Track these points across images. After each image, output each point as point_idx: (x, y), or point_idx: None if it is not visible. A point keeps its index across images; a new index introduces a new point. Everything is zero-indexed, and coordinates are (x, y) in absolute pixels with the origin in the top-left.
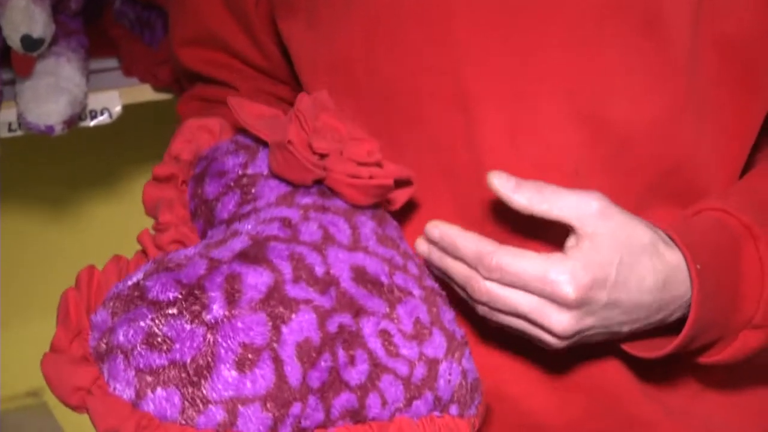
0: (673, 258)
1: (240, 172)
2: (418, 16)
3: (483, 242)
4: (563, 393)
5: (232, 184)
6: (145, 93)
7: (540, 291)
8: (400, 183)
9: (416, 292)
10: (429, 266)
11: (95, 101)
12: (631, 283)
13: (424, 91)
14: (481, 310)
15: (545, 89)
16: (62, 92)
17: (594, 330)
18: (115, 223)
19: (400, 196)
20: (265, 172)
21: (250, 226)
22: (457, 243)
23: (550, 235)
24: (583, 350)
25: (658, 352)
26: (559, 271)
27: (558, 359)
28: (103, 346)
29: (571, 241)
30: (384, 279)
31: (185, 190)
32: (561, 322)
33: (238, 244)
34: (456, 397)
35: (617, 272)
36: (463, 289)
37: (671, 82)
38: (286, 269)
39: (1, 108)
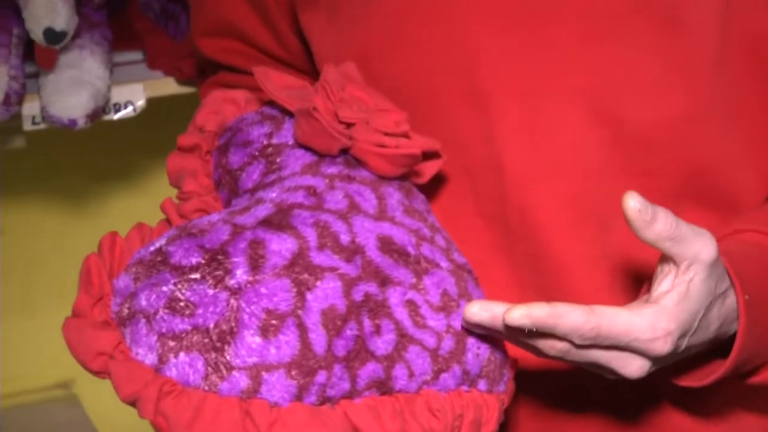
0: (731, 301)
1: (265, 142)
2: (434, 12)
3: (576, 314)
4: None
5: (256, 153)
6: (169, 86)
7: (631, 347)
8: (429, 156)
9: (444, 264)
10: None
11: (119, 94)
12: (702, 330)
13: (440, 89)
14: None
15: (561, 87)
16: (85, 85)
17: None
18: (137, 216)
19: (428, 169)
20: (291, 141)
21: (274, 194)
22: (557, 323)
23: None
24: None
25: (704, 380)
26: (655, 330)
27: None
28: (126, 310)
29: (666, 283)
30: (411, 249)
31: (209, 161)
32: (640, 368)
33: (262, 211)
34: (485, 372)
35: (698, 323)
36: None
37: (695, 82)
38: (311, 236)
39: (25, 101)
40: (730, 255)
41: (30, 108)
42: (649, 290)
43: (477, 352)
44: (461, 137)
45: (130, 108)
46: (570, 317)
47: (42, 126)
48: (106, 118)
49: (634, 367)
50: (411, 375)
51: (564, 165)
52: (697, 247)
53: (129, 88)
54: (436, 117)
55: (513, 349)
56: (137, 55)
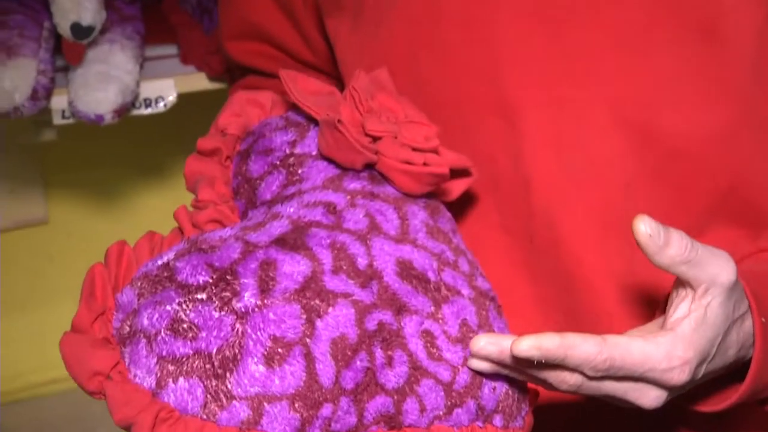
0: (749, 324)
1: (288, 151)
2: (459, 18)
3: (588, 344)
4: None
5: (278, 163)
6: (200, 82)
7: (646, 378)
8: (458, 173)
9: (465, 291)
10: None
11: (150, 89)
12: (720, 355)
13: (465, 97)
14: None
15: (591, 96)
16: (112, 80)
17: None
18: (165, 212)
19: (457, 187)
20: (314, 152)
21: (292, 210)
22: (567, 354)
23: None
24: None
25: (719, 405)
26: (672, 359)
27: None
28: (127, 328)
29: (683, 308)
30: (431, 275)
31: (229, 166)
32: (657, 398)
33: (277, 228)
34: (501, 407)
35: (716, 349)
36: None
37: (730, 96)
38: (326, 258)
39: (55, 95)
40: (748, 276)
41: (59, 102)
42: (663, 313)
43: (494, 386)
44: (486, 148)
45: (161, 103)
46: (582, 348)
47: (71, 120)
48: (137, 113)
49: (650, 397)
50: (422, 410)
51: (592, 178)
52: (714, 270)
53: (160, 83)
54: (462, 127)
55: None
56: (169, 50)
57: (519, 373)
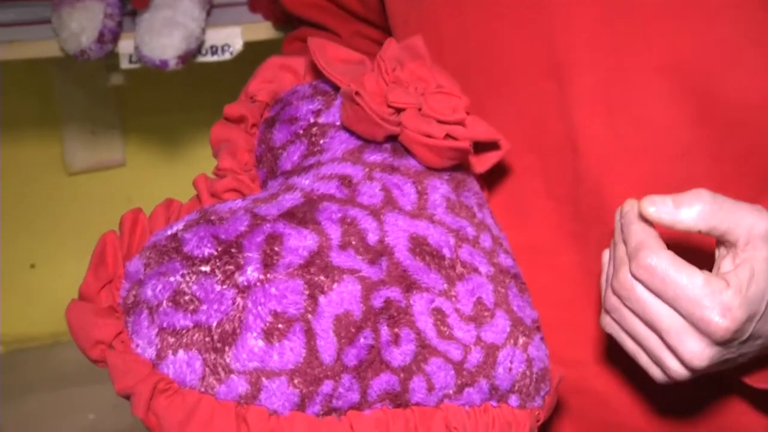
0: None
1: (312, 120)
2: None
3: (649, 236)
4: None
5: (300, 132)
6: (266, 30)
7: (689, 313)
8: (490, 145)
9: (483, 269)
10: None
11: (216, 37)
12: None
13: (515, 57)
14: (608, 321)
15: (646, 61)
16: (177, 27)
17: (723, 364)
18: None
19: (486, 160)
20: (338, 122)
21: (306, 182)
22: (631, 225)
23: None
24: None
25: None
26: (718, 300)
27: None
28: (132, 298)
29: (726, 263)
30: (446, 252)
31: (255, 134)
32: (698, 353)
33: (288, 201)
34: (517, 387)
35: (766, 306)
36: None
37: None
38: (335, 233)
39: (122, 39)
40: None
41: (127, 46)
42: None
43: (509, 366)
44: (535, 111)
45: (227, 51)
46: (643, 230)
47: (138, 65)
48: (202, 59)
49: (691, 346)
50: (430, 388)
51: (644, 145)
52: (749, 221)
53: (227, 30)
54: (507, 85)
55: (558, 364)
56: None
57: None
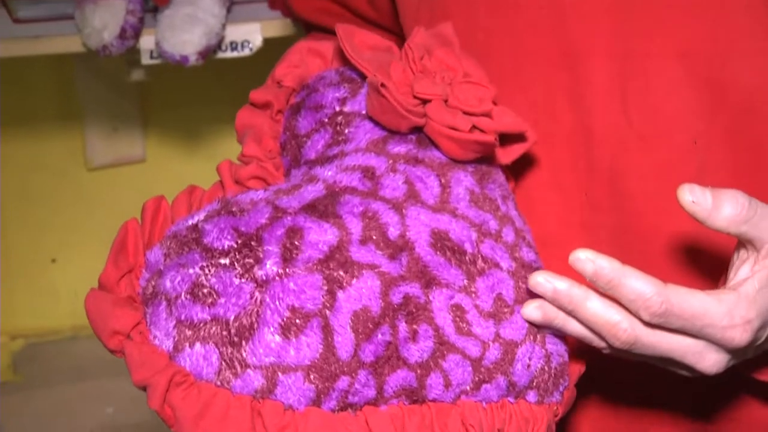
0: None
1: (337, 108)
2: None
3: (648, 279)
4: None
5: (326, 120)
6: (286, 27)
7: (705, 335)
8: (516, 136)
9: (505, 264)
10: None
11: (236, 33)
12: None
13: (526, 48)
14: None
15: (660, 48)
16: (198, 23)
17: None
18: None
19: (512, 152)
20: (364, 111)
21: (329, 173)
22: (622, 282)
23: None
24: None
25: None
26: (733, 317)
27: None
28: (151, 288)
29: (744, 269)
30: (468, 247)
31: (280, 120)
32: (717, 363)
33: (311, 193)
34: (536, 383)
35: None
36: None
37: None
38: (355, 228)
39: (144, 35)
40: None
41: (148, 42)
42: (725, 282)
43: (528, 362)
44: (545, 103)
45: (246, 47)
46: (638, 281)
47: (159, 60)
48: (222, 55)
49: (710, 361)
50: (447, 385)
51: (658, 133)
52: None
53: (247, 27)
54: (520, 81)
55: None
56: None
57: (567, 326)
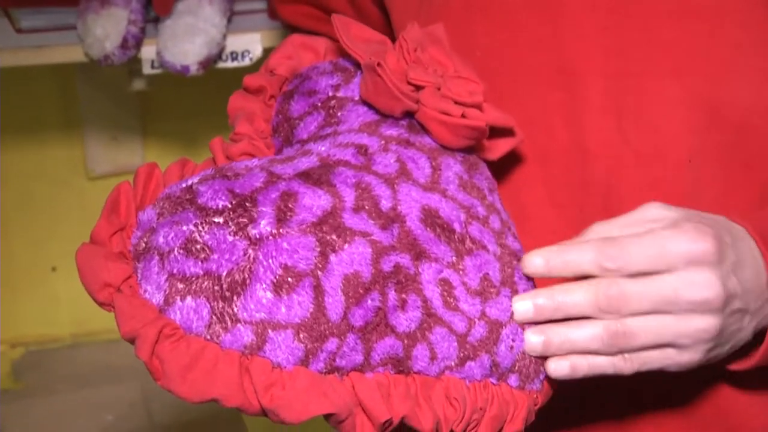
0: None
1: (330, 94)
2: None
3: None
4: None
5: (319, 104)
6: (285, 37)
7: (676, 265)
8: (503, 132)
9: (491, 247)
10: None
11: (237, 43)
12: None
13: (522, 65)
14: (618, 363)
15: (655, 67)
16: (199, 33)
17: (731, 326)
18: None
19: (500, 146)
20: (357, 97)
21: (323, 148)
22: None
23: None
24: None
25: (746, 363)
26: (697, 229)
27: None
28: (143, 245)
29: None
30: (457, 226)
31: (272, 105)
32: (707, 325)
33: (305, 163)
34: (518, 366)
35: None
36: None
37: None
38: (349, 196)
39: (145, 45)
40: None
41: (149, 52)
42: None
43: (511, 344)
44: (541, 118)
45: (246, 57)
46: (580, 245)
47: (160, 70)
48: (222, 65)
49: (696, 323)
50: (433, 357)
51: (653, 150)
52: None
53: (247, 37)
54: (516, 99)
55: None
56: (258, 4)
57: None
